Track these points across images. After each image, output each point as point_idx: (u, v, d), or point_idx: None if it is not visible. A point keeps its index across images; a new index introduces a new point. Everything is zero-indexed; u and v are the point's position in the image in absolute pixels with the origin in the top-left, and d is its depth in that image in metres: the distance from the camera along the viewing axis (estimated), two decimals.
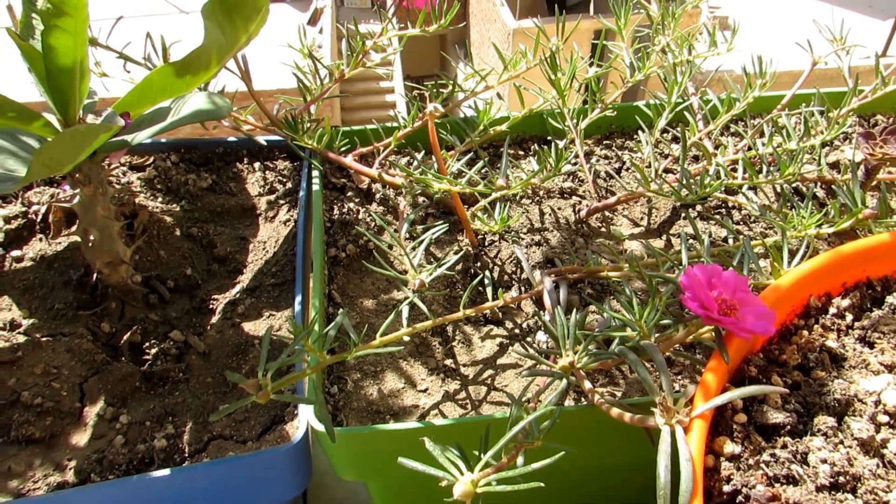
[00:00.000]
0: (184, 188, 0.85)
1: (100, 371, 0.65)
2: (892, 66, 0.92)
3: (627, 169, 0.92)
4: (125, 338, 0.68)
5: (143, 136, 0.58)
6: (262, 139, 0.90)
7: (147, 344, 0.68)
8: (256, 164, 0.91)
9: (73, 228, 0.73)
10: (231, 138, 0.92)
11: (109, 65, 0.85)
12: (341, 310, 0.67)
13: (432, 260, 0.80)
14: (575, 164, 0.91)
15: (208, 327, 0.71)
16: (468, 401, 0.67)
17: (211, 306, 0.74)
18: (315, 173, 0.84)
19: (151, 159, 0.88)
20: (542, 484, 0.42)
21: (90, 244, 0.68)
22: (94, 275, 0.70)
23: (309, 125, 0.86)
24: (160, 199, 0.83)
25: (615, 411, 0.51)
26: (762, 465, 0.46)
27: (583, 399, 0.66)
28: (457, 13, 0.86)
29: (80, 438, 0.61)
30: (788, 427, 0.48)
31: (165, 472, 0.56)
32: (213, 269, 0.78)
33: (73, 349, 0.66)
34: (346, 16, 0.80)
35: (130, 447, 0.60)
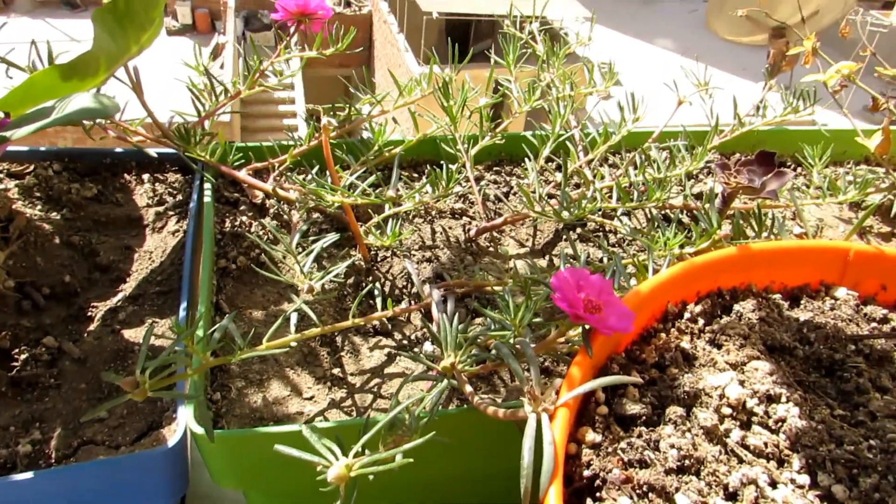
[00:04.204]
0: (66, 197, 0.82)
1: None
2: (748, 111, 1.03)
3: (515, 193, 0.97)
4: None
5: (23, 132, 0.57)
6: (153, 151, 0.89)
7: (17, 350, 0.65)
8: (146, 176, 0.89)
9: None
10: (119, 149, 0.90)
11: None
12: (228, 314, 0.67)
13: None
14: (466, 186, 0.95)
15: (86, 334, 0.69)
16: (354, 408, 0.68)
17: (90, 314, 0.71)
18: (207, 186, 0.84)
19: (31, 167, 0.85)
20: (412, 459, 0.43)
21: None
22: None
23: (202, 137, 0.85)
24: (39, 207, 0.80)
25: (491, 409, 0.53)
26: (619, 452, 0.49)
27: (465, 404, 0.68)
28: (361, 56, 0.90)
29: None
30: (644, 417, 0.52)
31: (26, 475, 0.53)
32: (94, 278, 0.75)
33: None
34: (250, 52, 0.82)
35: None
